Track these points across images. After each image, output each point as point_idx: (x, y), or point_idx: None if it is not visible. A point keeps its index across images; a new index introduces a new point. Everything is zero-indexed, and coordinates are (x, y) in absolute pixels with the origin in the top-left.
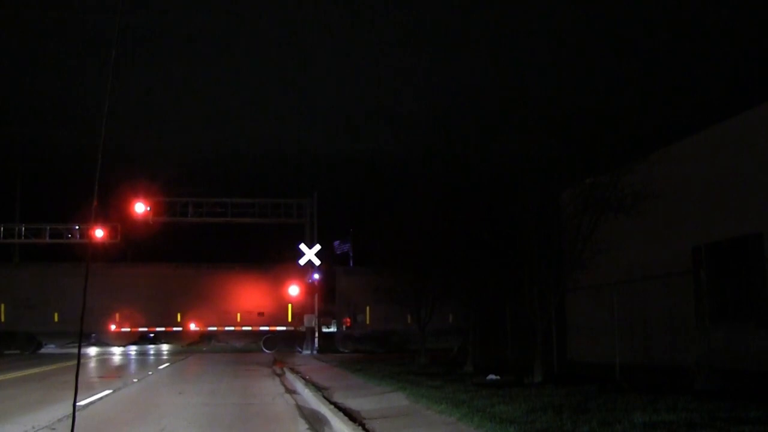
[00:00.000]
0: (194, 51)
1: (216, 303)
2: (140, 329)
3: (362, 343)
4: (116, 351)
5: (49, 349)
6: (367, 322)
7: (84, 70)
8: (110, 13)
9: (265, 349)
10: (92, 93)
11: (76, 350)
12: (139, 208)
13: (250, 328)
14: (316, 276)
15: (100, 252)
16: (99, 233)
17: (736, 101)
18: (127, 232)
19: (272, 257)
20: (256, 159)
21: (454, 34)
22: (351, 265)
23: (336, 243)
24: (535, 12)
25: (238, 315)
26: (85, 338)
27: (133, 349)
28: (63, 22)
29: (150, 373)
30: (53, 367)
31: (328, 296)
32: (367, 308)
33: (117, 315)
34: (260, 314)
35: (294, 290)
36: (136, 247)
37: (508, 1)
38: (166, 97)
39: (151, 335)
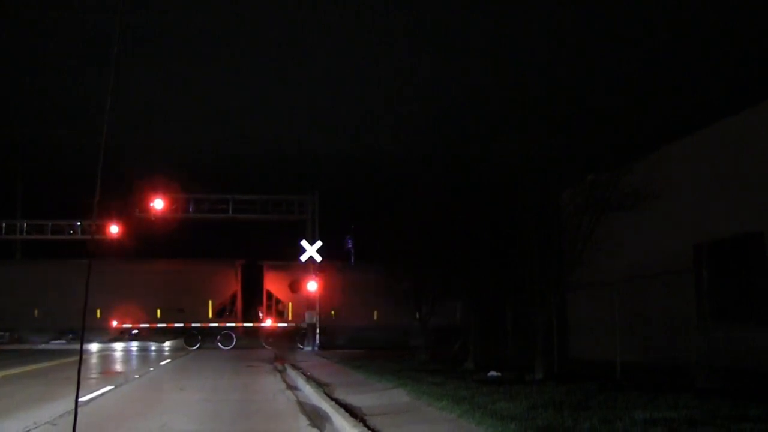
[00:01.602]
0: (194, 51)
1: (137, 298)
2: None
3: (284, 339)
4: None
5: None
6: (290, 318)
7: (84, 70)
8: (110, 13)
9: (186, 346)
10: (93, 92)
11: None
12: (141, 204)
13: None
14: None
15: (101, 248)
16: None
17: (736, 101)
18: (129, 229)
19: (199, 253)
20: (256, 157)
21: (454, 34)
22: (352, 261)
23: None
24: (535, 12)
25: (158, 311)
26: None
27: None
28: (63, 22)
29: (151, 369)
30: (53, 363)
31: (254, 292)
32: (289, 305)
33: (36, 311)
34: (180, 310)
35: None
36: (137, 244)
37: (508, 1)
38: (166, 97)
39: (70, 333)
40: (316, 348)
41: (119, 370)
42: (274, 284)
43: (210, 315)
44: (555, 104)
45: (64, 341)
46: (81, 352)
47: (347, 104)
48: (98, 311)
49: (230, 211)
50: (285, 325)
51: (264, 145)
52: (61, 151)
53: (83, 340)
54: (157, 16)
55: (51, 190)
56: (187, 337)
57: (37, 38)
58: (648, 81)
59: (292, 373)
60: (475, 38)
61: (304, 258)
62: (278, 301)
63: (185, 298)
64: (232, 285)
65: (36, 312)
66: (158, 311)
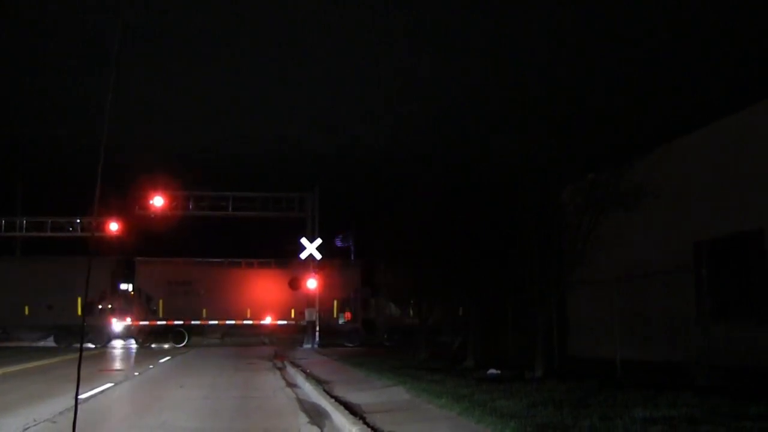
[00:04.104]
0: (194, 51)
1: (6, 296)
2: None
3: (158, 337)
4: None
5: None
6: (161, 315)
7: (84, 70)
8: (110, 13)
9: (55, 344)
10: (93, 92)
11: None
12: (141, 201)
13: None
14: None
15: (101, 245)
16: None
17: (736, 101)
18: (129, 226)
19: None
20: (257, 157)
21: (454, 34)
22: (352, 259)
23: (338, 241)
24: (535, 12)
25: (26, 308)
26: None
27: None
28: (63, 22)
29: (151, 366)
30: (54, 360)
31: (126, 290)
32: (161, 301)
33: None
34: (49, 307)
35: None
36: (136, 241)
37: (508, 1)
38: (166, 96)
39: None
40: (315, 346)
41: (119, 368)
42: (147, 282)
43: (79, 312)
44: (555, 104)
45: None
46: (81, 350)
47: (347, 104)
48: None
49: (230, 209)
50: (158, 323)
51: (264, 144)
52: (61, 150)
53: (83, 337)
54: (157, 16)
55: (52, 186)
56: (56, 334)
57: (37, 38)
58: (648, 81)
59: (291, 370)
60: (475, 38)
61: (303, 255)
62: (150, 298)
63: (55, 295)
64: (103, 282)
65: None
66: (26, 308)
